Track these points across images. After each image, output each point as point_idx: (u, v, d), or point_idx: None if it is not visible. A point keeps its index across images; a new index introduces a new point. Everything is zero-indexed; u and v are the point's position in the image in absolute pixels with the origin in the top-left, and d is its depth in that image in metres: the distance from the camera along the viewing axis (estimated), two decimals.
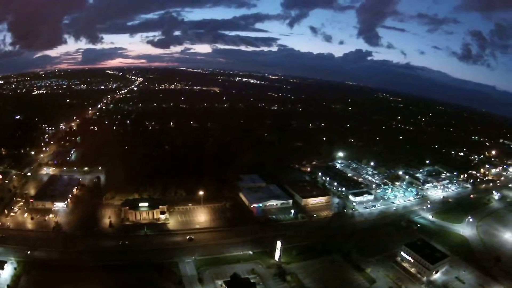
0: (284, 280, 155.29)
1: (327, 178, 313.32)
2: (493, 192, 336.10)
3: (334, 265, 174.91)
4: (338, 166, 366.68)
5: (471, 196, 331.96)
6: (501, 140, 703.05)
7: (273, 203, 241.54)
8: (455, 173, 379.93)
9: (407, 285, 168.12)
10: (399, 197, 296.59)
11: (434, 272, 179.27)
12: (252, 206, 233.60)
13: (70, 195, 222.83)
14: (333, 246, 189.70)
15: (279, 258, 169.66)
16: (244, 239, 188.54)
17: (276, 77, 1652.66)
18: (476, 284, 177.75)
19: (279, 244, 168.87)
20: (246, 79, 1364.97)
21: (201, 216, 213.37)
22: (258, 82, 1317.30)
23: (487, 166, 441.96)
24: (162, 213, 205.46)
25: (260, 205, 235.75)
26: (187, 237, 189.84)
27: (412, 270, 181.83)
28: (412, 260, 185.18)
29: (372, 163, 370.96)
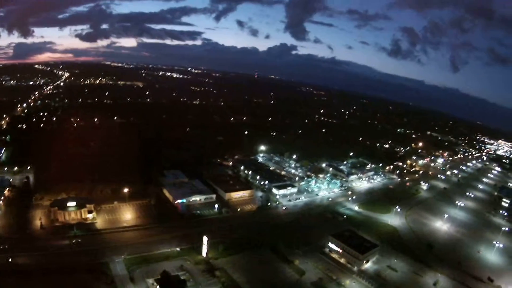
0: (214, 275, 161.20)
1: (250, 172, 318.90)
2: (421, 182, 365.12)
3: (262, 259, 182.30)
4: (260, 159, 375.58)
5: (407, 184, 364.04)
6: (428, 133, 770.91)
7: (196, 198, 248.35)
8: (380, 164, 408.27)
9: (338, 276, 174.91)
10: (323, 189, 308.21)
11: (364, 261, 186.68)
12: (176, 202, 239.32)
13: (2, 197, 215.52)
14: (259, 240, 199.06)
15: (206, 254, 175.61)
16: (170, 235, 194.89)
17: (199, 71, 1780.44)
18: (410, 272, 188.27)
19: (205, 239, 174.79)
20: (169, 73, 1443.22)
21: (127, 214, 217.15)
22: (181, 76, 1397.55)
23: (413, 157, 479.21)
24: (90, 212, 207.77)
25: (184, 200, 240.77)
26: (73, 241, 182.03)
27: (342, 260, 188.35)
28: (340, 251, 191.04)
29: (294, 156, 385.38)
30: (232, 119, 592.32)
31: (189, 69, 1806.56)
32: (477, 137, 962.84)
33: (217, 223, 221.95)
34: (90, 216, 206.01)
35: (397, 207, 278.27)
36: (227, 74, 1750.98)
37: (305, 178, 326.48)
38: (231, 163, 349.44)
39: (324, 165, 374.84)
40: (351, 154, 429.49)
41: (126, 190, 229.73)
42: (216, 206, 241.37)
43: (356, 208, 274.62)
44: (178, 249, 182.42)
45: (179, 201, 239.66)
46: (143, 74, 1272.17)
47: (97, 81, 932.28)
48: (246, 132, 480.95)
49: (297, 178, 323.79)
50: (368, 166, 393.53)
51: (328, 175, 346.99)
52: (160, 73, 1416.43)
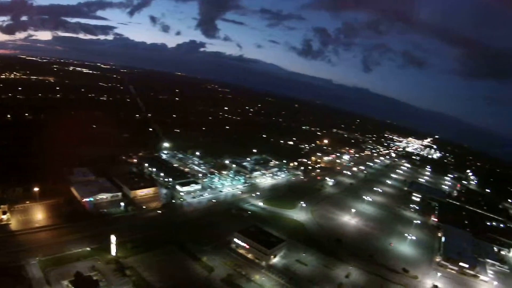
0: (125, 274, 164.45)
1: (154, 169, 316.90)
2: (326, 178, 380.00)
3: (170, 256, 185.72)
4: (164, 156, 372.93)
5: (317, 178, 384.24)
6: (334, 130, 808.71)
7: (103, 196, 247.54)
8: (284, 161, 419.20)
9: (247, 271, 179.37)
10: (227, 186, 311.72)
11: (272, 256, 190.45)
12: (84, 200, 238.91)
13: None
14: (166, 237, 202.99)
15: (116, 253, 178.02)
16: (80, 235, 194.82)
17: (108, 66, 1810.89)
18: (320, 265, 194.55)
19: (113, 238, 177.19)
20: (79, 69, 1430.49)
21: (39, 214, 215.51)
22: (90, 71, 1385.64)
23: (319, 154, 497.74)
24: (4, 213, 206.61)
25: (92, 199, 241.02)
26: None
27: (249, 256, 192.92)
28: (247, 246, 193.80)
29: (198, 153, 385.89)
30: (137, 115, 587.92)
31: (99, 64, 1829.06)
32: (386, 135, 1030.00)
33: (124, 221, 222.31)
34: (4, 217, 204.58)
35: (302, 202, 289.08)
36: (135, 70, 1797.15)
37: (209, 175, 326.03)
38: (135, 160, 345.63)
39: (227, 161, 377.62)
40: (255, 151, 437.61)
41: (36, 189, 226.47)
42: (122, 204, 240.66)
43: (260, 204, 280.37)
44: (88, 248, 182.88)
45: (87, 199, 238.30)
46: (55, 69, 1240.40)
47: (12, 76, 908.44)
48: (150, 129, 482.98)
49: (200, 175, 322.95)
50: (272, 163, 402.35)
51: (232, 171, 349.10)
52: (71, 68, 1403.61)
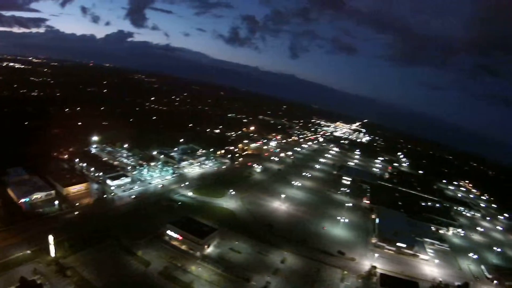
0: (65, 275, 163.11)
1: (84, 164, 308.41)
2: (254, 165, 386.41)
3: (107, 253, 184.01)
4: (93, 151, 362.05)
5: (247, 165, 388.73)
6: (260, 117, 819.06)
7: (38, 195, 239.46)
8: (211, 149, 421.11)
9: (183, 263, 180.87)
10: (156, 177, 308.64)
11: (205, 246, 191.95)
12: (20, 201, 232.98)
13: None
14: (100, 234, 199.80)
15: (55, 254, 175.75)
16: (20, 238, 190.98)
17: (39, 60, 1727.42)
18: (254, 252, 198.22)
19: (51, 238, 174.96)
20: (12, 64, 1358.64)
21: None
22: (22, 66, 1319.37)
23: (245, 141, 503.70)
24: None
25: (27, 199, 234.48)
26: None
27: (183, 247, 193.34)
28: (180, 238, 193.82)
29: (126, 145, 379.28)
30: (67, 110, 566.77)
31: (30, 58, 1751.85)
32: (313, 120, 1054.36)
33: (59, 220, 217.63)
34: None
35: (231, 190, 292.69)
36: (64, 63, 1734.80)
37: (137, 167, 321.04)
38: (66, 156, 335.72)
39: (155, 153, 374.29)
40: (182, 140, 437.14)
41: None
42: (56, 202, 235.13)
43: (190, 194, 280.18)
44: (28, 251, 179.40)
45: (23, 200, 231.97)
46: None
47: None
48: (79, 123, 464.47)
49: (129, 168, 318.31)
50: (199, 152, 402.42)
51: (160, 162, 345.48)
52: (4, 64, 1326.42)
